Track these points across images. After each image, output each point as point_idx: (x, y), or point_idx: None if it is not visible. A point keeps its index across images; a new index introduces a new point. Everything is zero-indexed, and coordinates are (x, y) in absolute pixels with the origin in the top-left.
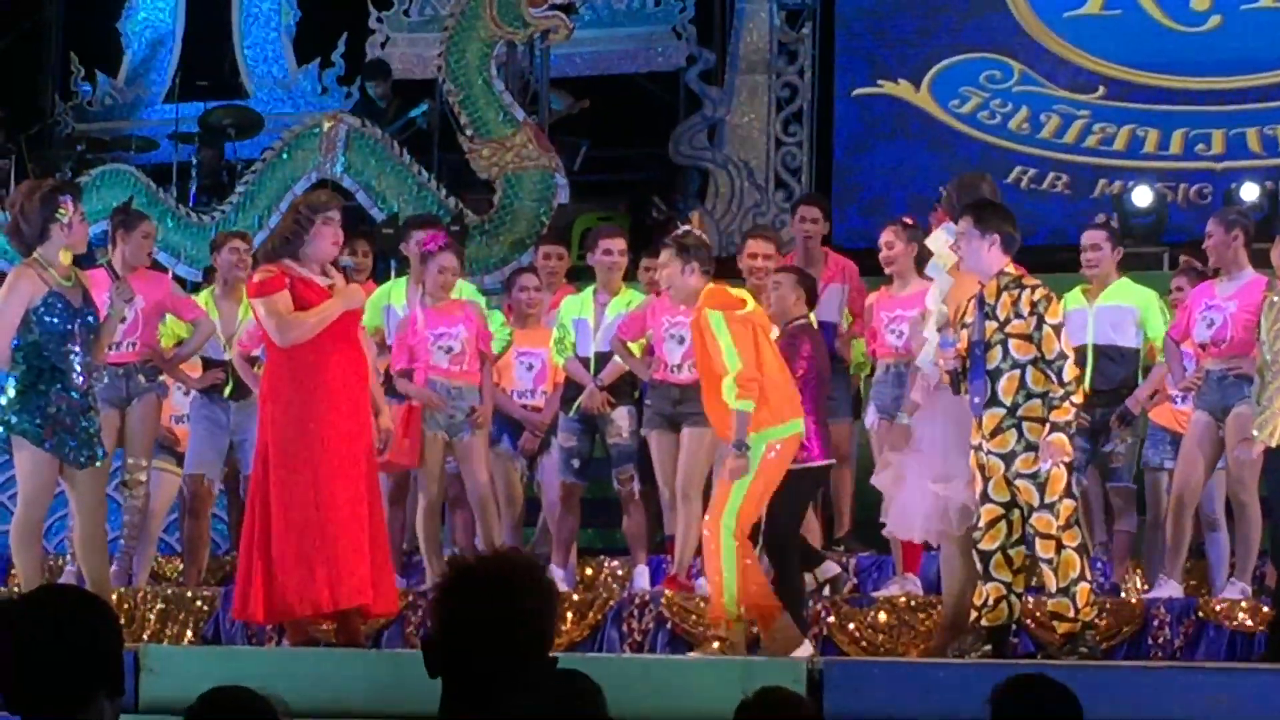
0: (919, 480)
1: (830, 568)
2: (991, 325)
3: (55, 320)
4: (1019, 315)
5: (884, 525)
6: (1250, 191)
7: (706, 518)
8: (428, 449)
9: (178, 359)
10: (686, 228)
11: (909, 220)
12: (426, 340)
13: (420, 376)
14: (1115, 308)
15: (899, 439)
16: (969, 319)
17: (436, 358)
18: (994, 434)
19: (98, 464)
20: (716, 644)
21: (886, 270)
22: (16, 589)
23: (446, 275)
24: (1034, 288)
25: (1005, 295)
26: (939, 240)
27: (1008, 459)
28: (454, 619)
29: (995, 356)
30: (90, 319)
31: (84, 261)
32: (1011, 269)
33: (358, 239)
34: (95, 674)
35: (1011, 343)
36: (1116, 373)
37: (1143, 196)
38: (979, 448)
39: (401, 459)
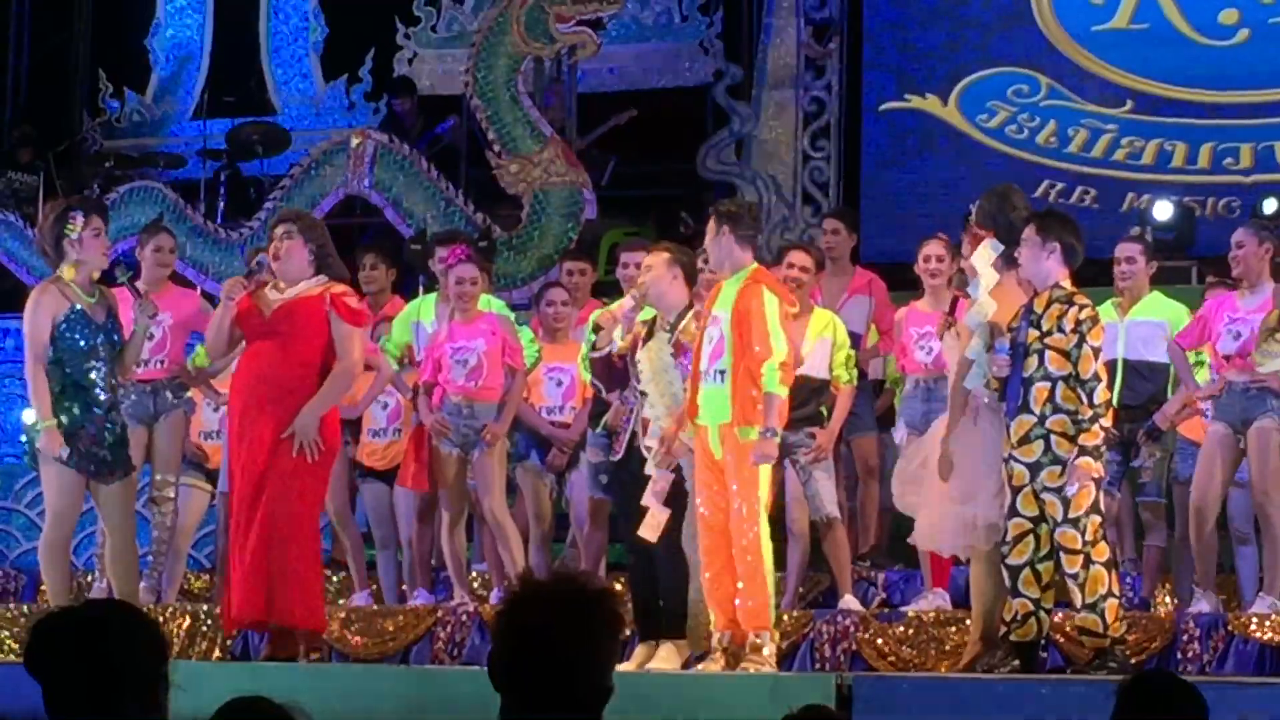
0: (943, 496)
1: None
2: (1033, 333)
3: (77, 337)
4: (1061, 330)
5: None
6: (1270, 205)
7: (744, 526)
8: (444, 467)
9: (204, 376)
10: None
11: (945, 238)
12: (446, 354)
13: (439, 392)
14: (1147, 322)
15: (944, 467)
16: (1015, 324)
17: (454, 372)
18: (1021, 442)
19: (124, 480)
20: (768, 650)
21: (931, 282)
22: (45, 604)
23: (464, 286)
24: (1083, 306)
25: (1054, 307)
26: (983, 258)
27: (1033, 469)
28: (516, 635)
29: (1031, 364)
30: (114, 336)
31: (107, 279)
32: (1067, 284)
33: (368, 252)
34: (136, 689)
35: (1049, 354)
36: (1146, 388)
37: (1163, 211)
38: (1009, 458)
39: (407, 484)
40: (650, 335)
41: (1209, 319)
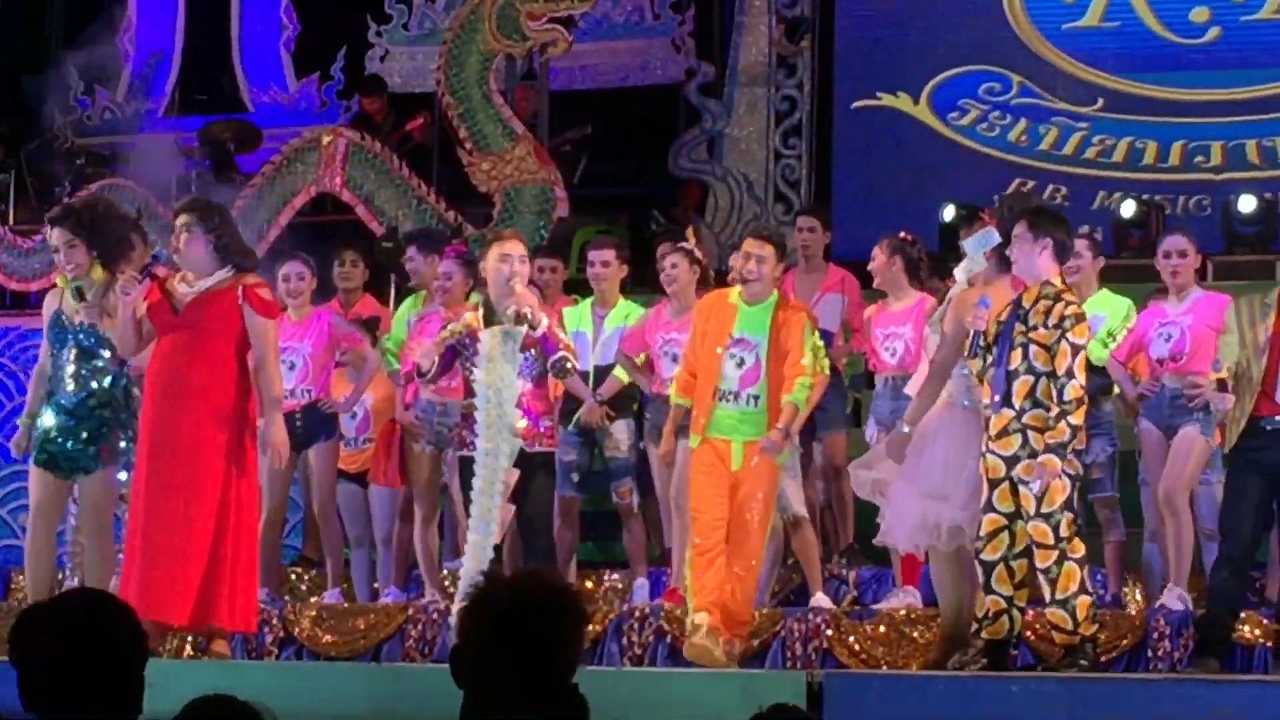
0: (910, 490)
1: None
2: (1020, 327)
3: (53, 340)
4: (1046, 326)
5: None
6: (1248, 204)
7: (760, 531)
8: (416, 465)
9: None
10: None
11: (906, 235)
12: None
13: (412, 389)
14: (1094, 318)
15: (896, 449)
16: (1004, 317)
17: None
18: (1000, 435)
19: (96, 476)
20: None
21: (875, 283)
22: (18, 603)
23: (443, 282)
24: (1069, 304)
25: (1041, 303)
26: (976, 241)
27: (1010, 462)
28: (478, 633)
29: (1016, 358)
30: (83, 338)
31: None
32: (1057, 282)
33: (347, 249)
34: (117, 683)
35: (1032, 349)
36: (1093, 383)
37: (1247, 204)
38: (986, 451)
39: (379, 480)
40: (490, 321)
41: (1140, 330)
